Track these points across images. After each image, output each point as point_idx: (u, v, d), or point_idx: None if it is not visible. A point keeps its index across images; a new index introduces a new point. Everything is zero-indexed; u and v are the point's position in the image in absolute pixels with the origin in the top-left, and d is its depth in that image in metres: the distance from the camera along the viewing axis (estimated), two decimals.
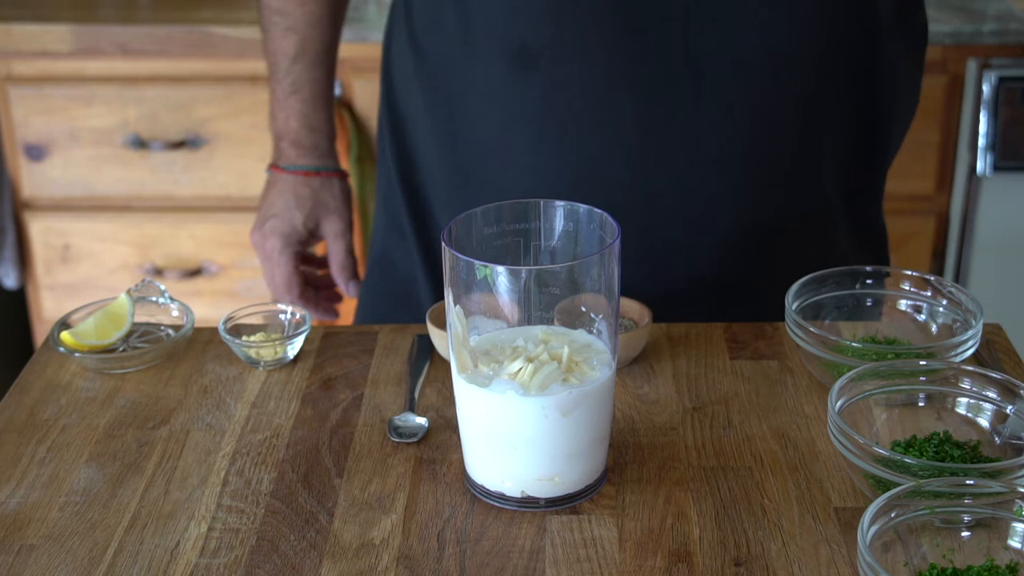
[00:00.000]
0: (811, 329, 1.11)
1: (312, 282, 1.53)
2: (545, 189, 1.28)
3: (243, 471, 1.05)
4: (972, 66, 2.20)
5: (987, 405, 1.04)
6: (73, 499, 1.01)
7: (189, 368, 1.19)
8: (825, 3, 1.26)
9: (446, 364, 1.18)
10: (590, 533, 0.97)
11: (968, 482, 0.91)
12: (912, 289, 1.20)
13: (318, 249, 1.58)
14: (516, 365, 0.97)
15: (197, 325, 1.24)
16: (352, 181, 1.99)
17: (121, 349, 1.20)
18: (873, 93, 1.33)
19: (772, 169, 1.30)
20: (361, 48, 2.16)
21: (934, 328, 1.18)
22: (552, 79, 1.26)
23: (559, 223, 1.01)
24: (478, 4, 1.28)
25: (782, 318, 1.20)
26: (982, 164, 2.22)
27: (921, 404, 1.06)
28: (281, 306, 1.23)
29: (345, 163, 2.19)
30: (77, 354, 1.17)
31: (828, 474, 1.03)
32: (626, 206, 1.26)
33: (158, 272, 2.37)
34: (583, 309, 0.99)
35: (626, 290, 1.15)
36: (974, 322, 1.12)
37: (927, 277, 1.19)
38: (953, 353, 1.09)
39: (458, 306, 0.97)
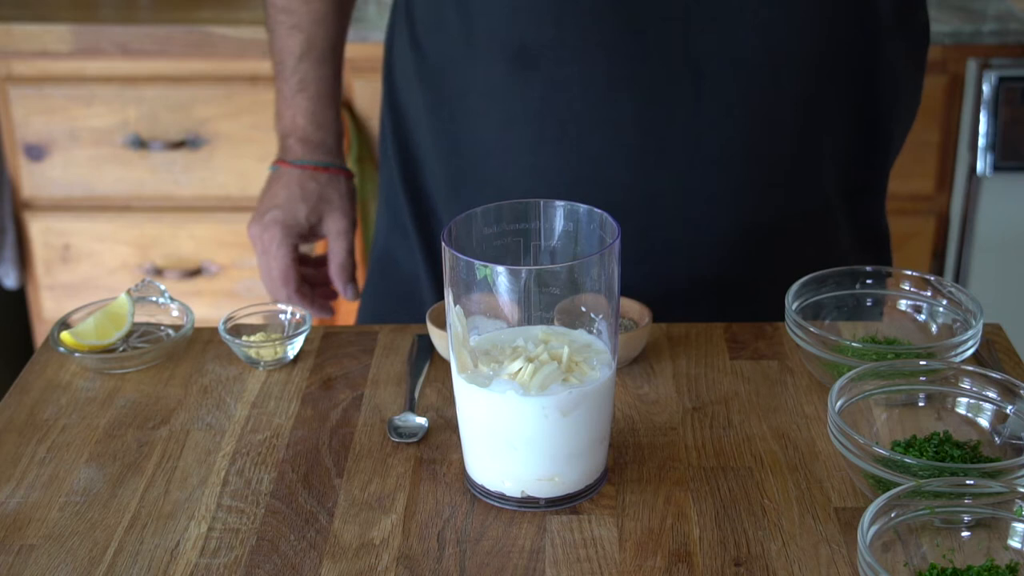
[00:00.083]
0: (811, 329, 1.11)
1: (308, 279, 1.50)
2: (545, 189, 1.28)
3: (243, 471, 1.04)
4: (972, 66, 2.20)
5: (987, 405, 1.04)
6: (73, 499, 1.01)
7: (189, 368, 1.19)
8: (825, 3, 1.26)
9: (446, 364, 1.18)
10: (590, 533, 0.97)
11: (968, 482, 0.91)
12: (912, 289, 1.20)
13: (317, 248, 1.57)
14: (516, 365, 0.97)
15: (197, 325, 1.23)
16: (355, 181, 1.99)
17: (121, 349, 1.20)
18: (873, 93, 1.33)
19: (772, 169, 1.30)
20: (361, 48, 2.15)
21: (934, 328, 1.18)
22: (552, 79, 1.26)
23: (559, 223, 1.01)
24: (479, 5, 1.28)
25: (782, 318, 1.20)
26: (982, 164, 2.22)
27: (921, 404, 1.06)
28: (281, 306, 1.22)
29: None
30: (77, 354, 1.17)
31: (828, 474, 1.03)
32: (626, 206, 1.26)
33: (158, 272, 2.37)
34: (583, 309, 0.99)
35: (626, 290, 1.15)
36: (974, 322, 1.12)
37: (927, 277, 1.19)
38: (953, 353, 1.09)
39: (458, 306, 0.97)
